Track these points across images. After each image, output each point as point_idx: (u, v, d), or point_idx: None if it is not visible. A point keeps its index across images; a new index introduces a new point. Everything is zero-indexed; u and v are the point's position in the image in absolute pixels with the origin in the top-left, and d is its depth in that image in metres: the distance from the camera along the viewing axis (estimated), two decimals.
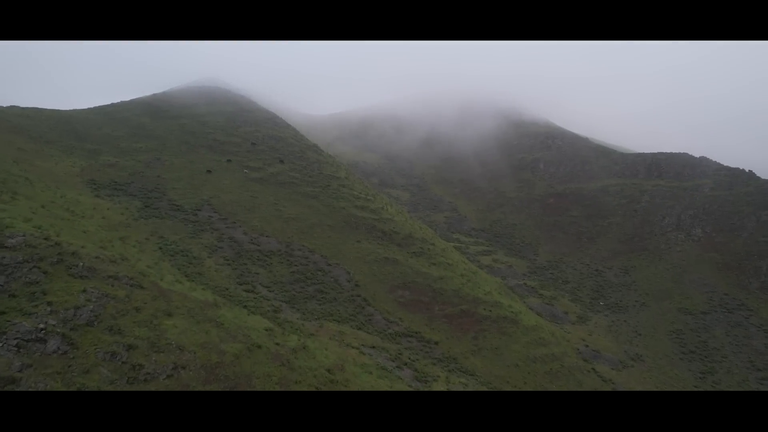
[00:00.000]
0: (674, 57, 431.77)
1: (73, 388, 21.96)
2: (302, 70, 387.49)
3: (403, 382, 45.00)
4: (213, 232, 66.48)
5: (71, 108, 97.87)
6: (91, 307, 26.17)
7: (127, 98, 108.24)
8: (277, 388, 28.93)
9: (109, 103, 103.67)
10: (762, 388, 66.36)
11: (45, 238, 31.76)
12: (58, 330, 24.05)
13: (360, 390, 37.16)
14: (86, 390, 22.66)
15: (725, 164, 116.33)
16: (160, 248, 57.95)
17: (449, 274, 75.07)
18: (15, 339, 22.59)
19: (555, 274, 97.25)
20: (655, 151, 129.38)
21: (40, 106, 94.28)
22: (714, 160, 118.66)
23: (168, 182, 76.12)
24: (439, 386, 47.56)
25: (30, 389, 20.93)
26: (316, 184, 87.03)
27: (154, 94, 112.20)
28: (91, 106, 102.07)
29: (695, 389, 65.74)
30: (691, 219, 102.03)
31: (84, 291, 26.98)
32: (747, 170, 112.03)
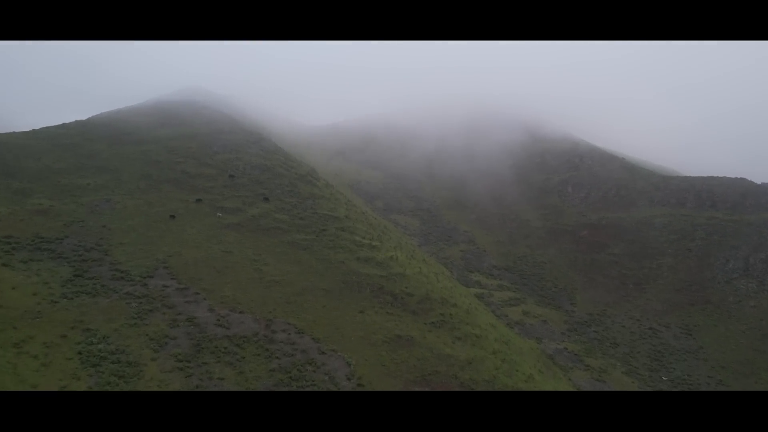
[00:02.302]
0: (723, 62, 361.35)
1: None
2: (301, 72, 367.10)
3: None
4: (165, 313, 49.19)
5: (8, 131, 79.99)
6: None
7: (84, 117, 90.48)
8: None
9: (60, 123, 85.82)
10: None
11: None
12: None
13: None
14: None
15: None
16: (80, 353, 40.70)
17: (479, 353, 57.94)
18: None
19: (600, 333, 79.87)
20: (704, 174, 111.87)
21: None
22: None
23: (115, 235, 58.79)
24: None
25: None
26: (308, 229, 69.63)
27: (118, 110, 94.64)
28: (39, 126, 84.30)
29: None
30: (763, 263, 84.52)
31: None
32: None
